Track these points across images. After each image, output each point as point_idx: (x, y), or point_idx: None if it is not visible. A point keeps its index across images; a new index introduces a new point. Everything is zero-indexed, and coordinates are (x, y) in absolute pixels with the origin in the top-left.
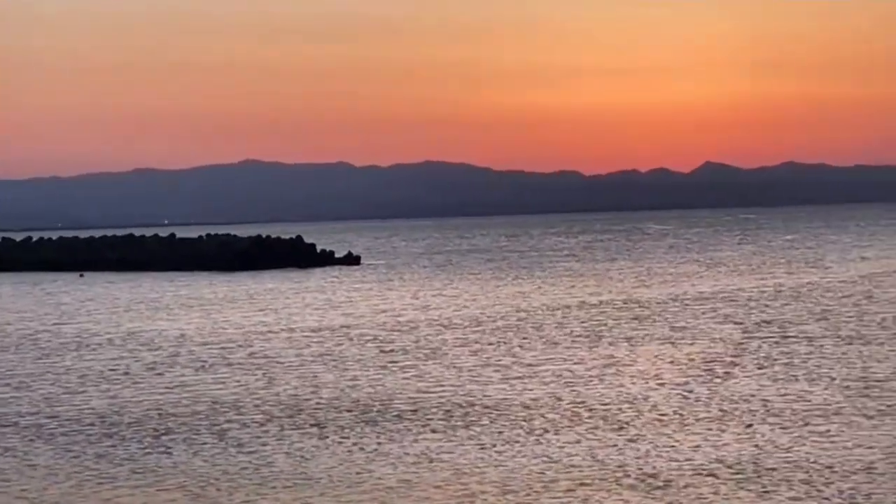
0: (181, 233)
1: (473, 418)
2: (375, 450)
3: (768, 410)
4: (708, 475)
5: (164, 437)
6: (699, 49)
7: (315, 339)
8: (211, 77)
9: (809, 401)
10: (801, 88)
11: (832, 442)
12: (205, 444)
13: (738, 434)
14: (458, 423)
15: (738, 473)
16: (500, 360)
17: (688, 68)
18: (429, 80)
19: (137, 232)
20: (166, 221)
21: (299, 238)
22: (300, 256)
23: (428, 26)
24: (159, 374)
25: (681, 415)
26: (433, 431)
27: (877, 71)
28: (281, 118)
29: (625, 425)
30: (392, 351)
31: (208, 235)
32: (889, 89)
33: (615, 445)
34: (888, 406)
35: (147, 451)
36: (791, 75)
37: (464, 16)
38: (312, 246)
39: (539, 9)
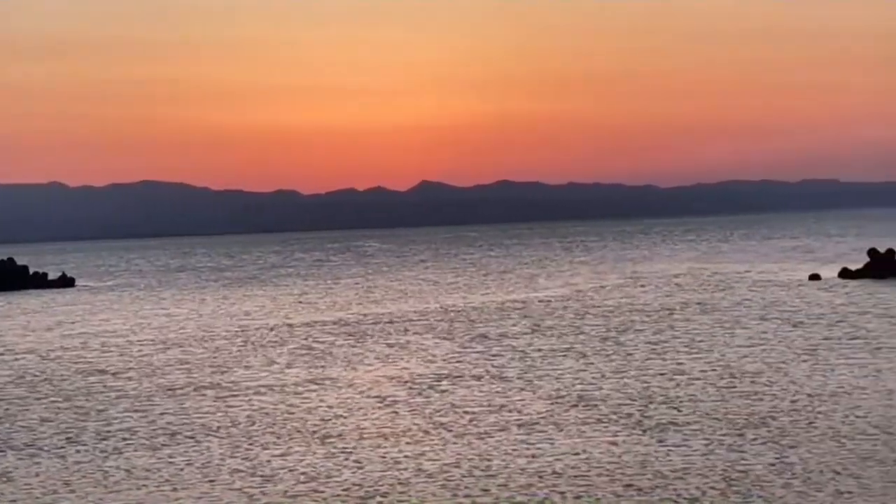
0: None
1: (182, 436)
2: (78, 469)
3: (482, 422)
4: (417, 487)
5: None
6: (416, 70)
7: (21, 363)
8: None
9: (522, 411)
10: (516, 108)
11: (541, 450)
12: None
13: (451, 444)
14: (167, 441)
15: (447, 482)
16: (216, 379)
17: (404, 88)
18: (142, 98)
19: None
20: None
21: (10, 260)
22: (11, 279)
23: (137, 44)
24: None
25: (395, 428)
26: (137, 450)
27: (588, 90)
28: None
29: (337, 440)
30: (103, 372)
31: None
32: (598, 108)
33: (326, 459)
34: (598, 415)
35: None
36: (507, 95)
37: (173, 34)
38: (25, 268)
39: (253, 28)
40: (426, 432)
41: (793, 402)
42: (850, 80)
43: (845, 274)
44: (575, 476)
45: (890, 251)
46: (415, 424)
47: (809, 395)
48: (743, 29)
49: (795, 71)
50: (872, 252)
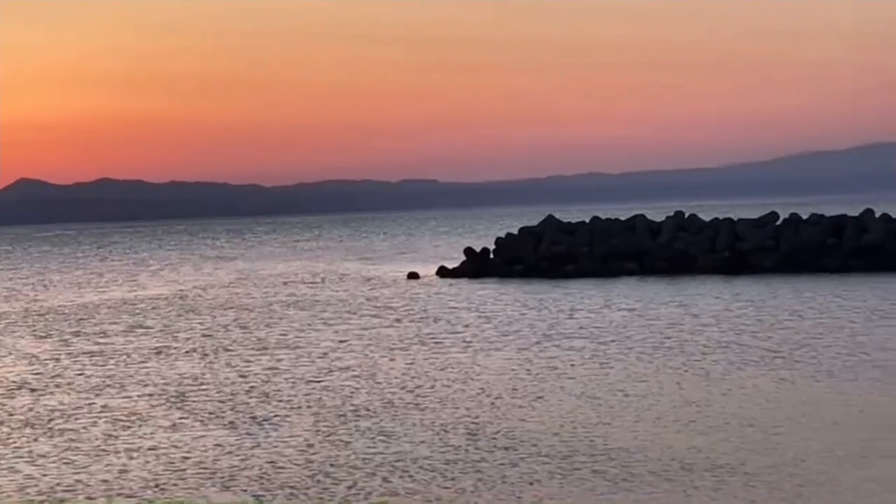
0: None
1: None
2: None
3: (74, 420)
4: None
5: None
6: (15, 65)
7: None
8: None
9: (116, 410)
10: (118, 105)
11: (135, 448)
12: None
13: (38, 444)
14: None
15: (29, 483)
16: None
17: (2, 84)
18: None
19: None
20: None
21: None
22: None
23: None
24: None
25: None
26: None
27: (192, 89)
28: None
29: None
30: None
31: None
32: (202, 107)
33: None
34: (195, 412)
35: None
36: (109, 93)
37: None
38: None
39: None
40: (12, 433)
41: (385, 394)
42: (448, 84)
43: (443, 272)
44: (168, 472)
45: (485, 250)
46: (13, 429)
47: (404, 389)
48: (341, 32)
49: (392, 73)
50: (468, 251)
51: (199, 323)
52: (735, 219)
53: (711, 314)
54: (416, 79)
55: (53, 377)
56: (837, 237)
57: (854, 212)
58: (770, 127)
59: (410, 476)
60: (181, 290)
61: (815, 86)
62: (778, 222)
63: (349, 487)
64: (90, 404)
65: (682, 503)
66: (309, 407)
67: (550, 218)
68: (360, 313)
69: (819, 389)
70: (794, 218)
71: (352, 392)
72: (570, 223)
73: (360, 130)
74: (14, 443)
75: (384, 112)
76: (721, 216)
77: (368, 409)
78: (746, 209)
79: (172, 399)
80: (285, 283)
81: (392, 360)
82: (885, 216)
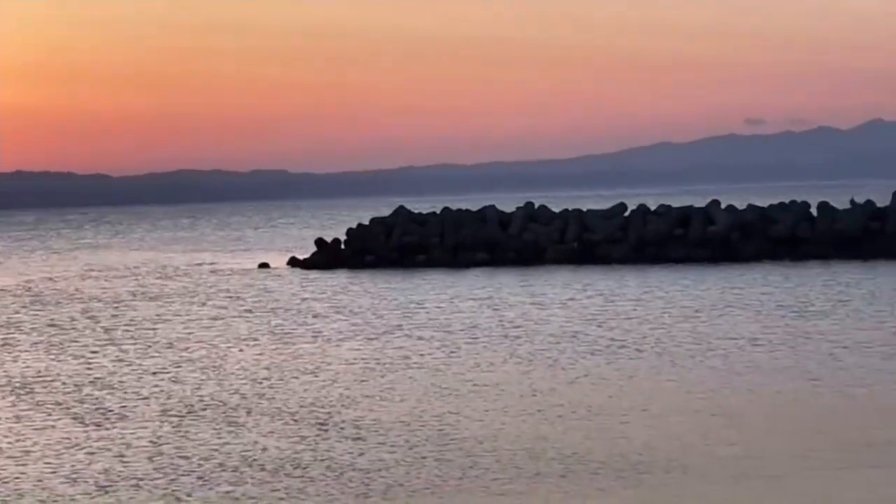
0: None
1: None
2: None
3: None
4: None
5: None
6: None
7: None
8: None
9: None
10: None
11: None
12: None
13: None
14: None
15: None
16: None
17: None
18: None
19: None
20: None
21: None
22: None
23: None
24: None
25: None
26: None
27: (40, 79)
28: None
29: None
30: None
31: None
32: (49, 96)
33: None
34: (38, 404)
35: None
36: None
37: None
38: None
39: None
40: None
41: (233, 386)
42: (300, 75)
43: (294, 263)
44: (12, 465)
45: (336, 241)
46: None
47: (253, 380)
48: (194, 22)
49: (242, 63)
50: (319, 242)
51: (45, 314)
52: (584, 210)
53: (559, 304)
54: (266, 69)
55: None
56: (684, 228)
57: (701, 203)
58: (619, 119)
59: (260, 465)
60: (27, 282)
61: (664, 79)
62: (626, 213)
63: (198, 478)
64: None
65: (529, 491)
66: (156, 399)
67: (402, 209)
68: (209, 304)
69: (663, 378)
70: (642, 209)
71: (200, 383)
72: (421, 214)
73: (210, 120)
74: None
75: (235, 102)
76: (571, 207)
77: (217, 401)
78: (596, 200)
79: (17, 391)
80: (133, 275)
81: (241, 351)
82: (731, 207)
